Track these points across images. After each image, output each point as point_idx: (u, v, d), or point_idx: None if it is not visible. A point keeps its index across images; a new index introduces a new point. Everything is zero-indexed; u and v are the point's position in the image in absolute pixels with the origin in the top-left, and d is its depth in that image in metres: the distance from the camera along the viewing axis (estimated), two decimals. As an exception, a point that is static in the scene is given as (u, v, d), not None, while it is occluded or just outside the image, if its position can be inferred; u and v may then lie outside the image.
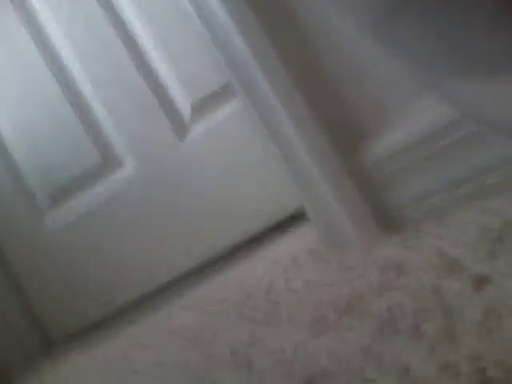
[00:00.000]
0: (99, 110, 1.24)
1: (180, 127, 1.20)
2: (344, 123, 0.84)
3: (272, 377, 0.57)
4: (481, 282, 0.50)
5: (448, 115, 0.72)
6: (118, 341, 1.07)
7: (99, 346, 1.10)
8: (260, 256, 1.06)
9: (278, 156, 0.89)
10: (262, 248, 1.10)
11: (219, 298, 0.95)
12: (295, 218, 1.11)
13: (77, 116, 1.24)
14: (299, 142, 0.87)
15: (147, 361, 0.86)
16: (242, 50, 0.87)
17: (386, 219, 0.85)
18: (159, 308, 1.10)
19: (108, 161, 1.24)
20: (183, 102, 1.20)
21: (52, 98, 1.25)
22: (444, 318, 0.48)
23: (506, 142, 0.53)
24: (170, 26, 1.18)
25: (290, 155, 0.88)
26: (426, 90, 0.65)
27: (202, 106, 1.18)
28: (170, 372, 0.75)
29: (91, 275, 1.25)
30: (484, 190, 0.74)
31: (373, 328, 0.54)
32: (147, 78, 1.19)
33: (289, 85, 0.85)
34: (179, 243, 1.20)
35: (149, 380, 0.77)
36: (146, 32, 1.21)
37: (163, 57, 1.20)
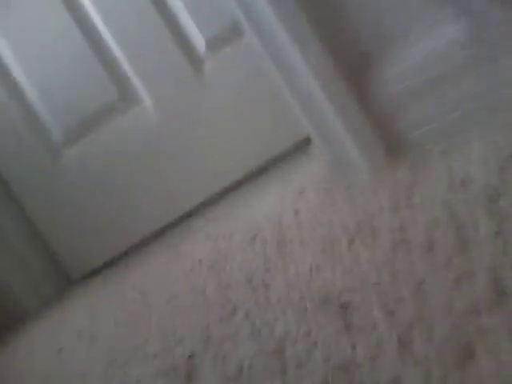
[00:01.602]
0: (115, 47, 1.24)
1: (195, 62, 1.23)
2: (350, 48, 0.82)
3: (289, 298, 0.59)
4: (492, 194, 0.51)
5: (454, 35, 0.71)
6: (133, 274, 1.09)
7: (115, 281, 1.13)
8: (270, 186, 1.07)
9: (285, 86, 0.88)
10: (271, 178, 1.11)
11: (231, 230, 0.96)
12: (304, 147, 1.12)
13: (93, 52, 1.24)
14: (305, 70, 0.85)
15: (163, 292, 0.88)
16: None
17: (393, 143, 0.85)
18: (172, 241, 1.12)
19: (124, 97, 1.25)
20: (198, 38, 1.23)
21: (67, 34, 1.24)
22: (457, 231, 0.49)
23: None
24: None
25: (297, 84, 0.87)
26: (440, 5, 0.63)
27: (216, 41, 1.21)
28: (187, 301, 0.77)
29: (106, 212, 1.27)
30: (492, 110, 0.74)
31: (386, 245, 0.55)
32: (163, 15, 1.21)
33: (294, 11, 0.83)
34: (192, 177, 1.24)
35: (166, 311, 0.79)
36: None
37: None
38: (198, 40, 1.24)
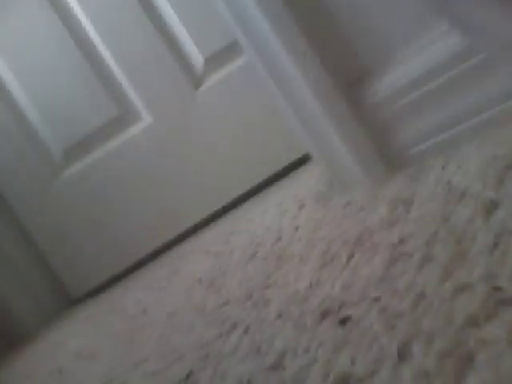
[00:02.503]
0: (114, 65, 1.26)
1: (194, 80, 1.25)
2: (348, 64, 0.83)
3: (289, 314, 0.59)
4: (490, 207, 0.51)
5: (453, 48, 0.71)
6: (133, 292, 1.09)
7: (115, 300, 1.13)
8: (269, 201, 1.07)
9: (283, 101, 0.89)
10: (272, 194, 1.11)
11: (231, 247, 0.96)
12: (302, 163, 1.13)
13: (92, 70, 1.26)
14: (304, 86, 0.86)
15: (163, 309, 0.88)
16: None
17: (391, 157, 0.85)
18: (172, 259, 1.12)
19: (124, 114, 1.27)
20: (196, 56, 1.25)
21: (67, 53, 1.26)
22: (456, 244, 0.49)
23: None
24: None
25: (296, 100, 0.87)
26: (433, 17, 0.64)
27: (215, 60, 1.23)
28: (187, 318, 0.77)
29: (107, 230, 1.28)
30: (491, 121, 0.74)
31: (386, 259, 0.55)
32: (162, 34, 1.24)
33: (293, 29, 0.84)
34: (192, 194, 1.25)
35: (166, 328, 0.78)
36: None
37: (177, 12, 1.23)
38: (197, 58, 1.25)
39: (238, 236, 1.00)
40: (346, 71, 0.83)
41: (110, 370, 0.76)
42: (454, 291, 0.41)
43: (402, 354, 0.39)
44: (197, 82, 1.25)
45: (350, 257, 0.62)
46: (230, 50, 1.20)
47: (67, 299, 1.28)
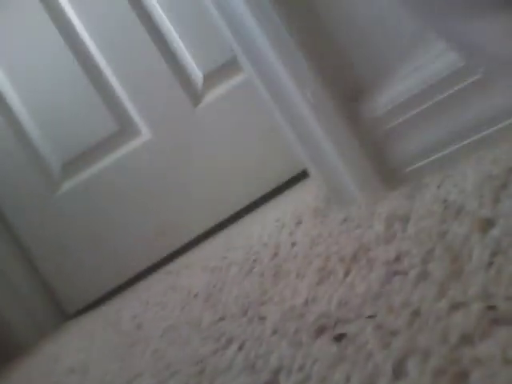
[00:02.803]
0: (114, 81, 1.28)
1: (193, 96, 1.27)
2: (345, 77, 0.83)
3: (284, 330, 0.58)
4: (486, 224, 0.51)
5: (451, 65, 0.72)
6: (129, 308, 1.08)
7: (110, 315, 1.12)
8: (267, 217, 1.07)
9: (281, 117, 0.89)
10: (268, 209, 1.11)
11: (228, 262, 0.96)
12: (301, 179, 1.13)
13: (92, 86, 1.28)
14: (301, 102, 0.87)
15: (158, 325, 0.87)
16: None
17: (389, 173, 0.85)
18: (169, 274, 1.12)
19: (124, 129, 1.28)
20: (196, 72, 1.26)
21: (68, 67, 1.27)
22: (452, 261, 0.49)
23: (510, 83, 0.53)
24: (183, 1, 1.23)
25: (294, 116, 0.88)
26: (431, 35, 0.64)
27: (214, 76, 1.25)
28: (182, 334, 0.77)
29: (104, 245, 1.28)
30: (488, 140, 0.75)
31: (382, 276, 0.55)
32: (161, 50, 1.26)
33: (292, 46, 0.85)
34: (191, 209, 1.25)
35: (161, 343, 0.78)
36: (161, 4, 1.24)
37: (177, 29, 1.25)
38: (196, 74, 1.27)
39: (235, 251, 1.00)
40: (344, 87, 0.83)
41: (104, 385, 0.76)
42: (450, 309, 0.41)
43: (397, 372, 0.38)
44: (196, 97, 1.26)
45: (347, 273, 0.62)
46: (229, 67, 1.22)
47: (63, 313, 1.28)
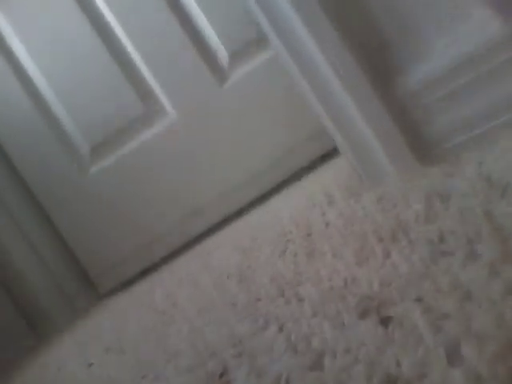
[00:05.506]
0: (140, 62, 1.27)
1: (219, 75, 1.26)
2: (379, 56, 0.81)
3: (325, 312, 0.58)
4: (537, 203, 0.49)
5: (492, 36, 0.69)
6: (162, 286, 1.09)
7: (144, 294, 1.13)
8: (297, 195, 1.06)
9: (311, 94, 0.87)
10: (296, 188, 1.10)
11: (260, 242, 0.95)
12: (329, 157, 1.11)
13: (118, 67, 1.27)
14: (333, 79, 0.85)
15: (193, 304, 0.87)
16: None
17: (424, 150, 0.83)
18: (201, 252, 1.11)
19: (150, 110, 1.27)
20: (221, 51, 1.25)
21: (94, 50, 1.27)
22: (502, 242, 0.47)
23: None
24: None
25: (325, 93, 0.86)
26: (468, 8, 0.62)
27: (240, 55, 1.23)
28: (218, 314, 0.76)
29: (134, 225, 1.28)
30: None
31: (425, 254, 0.53)
32: (187, 29, 1.24)
33: (322, 21, 0.82)
34: (220, 188, 1.25)
35: (197, 323, 0.78)
36: None
37: (202, 7, 1.23)
38: (222, 53, 1.25)
39: (265, 231, 0.99)
40: (377, 60, 0.81)
41: (141, 365, 0.76)
42: (504, 291, 0.40)
43: (452, 357, 0.37)
44: (222, 77, 1.24)
45: (387, 254, 0.61)
46: (254, 45, 1.20)
47: (97, 293, 1.29)
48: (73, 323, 1.21)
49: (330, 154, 1.13)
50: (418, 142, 0.83)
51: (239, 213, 1.22)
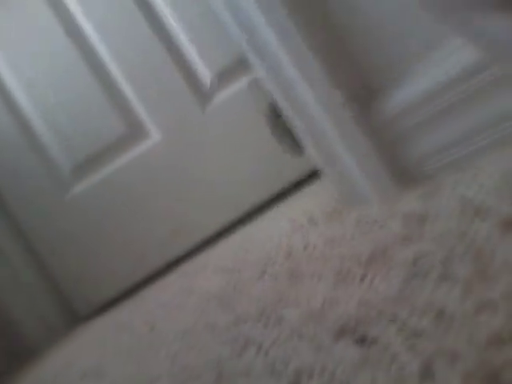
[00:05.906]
0: (123, 82, 1.27)
1: (202, 97, 1.26)
2: (358, 79, 0.82)
3: (303, 332, 0.58)
4: (508, 222, 0.50)
5: (466, 61, 0.71)
6: (142, 309, 1.08)
7: (124, 317, 1.12)
8: (279, 217, 1.06)
9: (293, 118, 0.89)
10: (281, 211, 1.10)
11: (242, 264, 0.95)
12: (311, 180, 1.12)
13: (101, 88, 1.27)
14: (313, 102, 0.86)
15: (173, 327, 0.87)
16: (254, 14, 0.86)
17: (403, 173, 0.84)
18: (182, 275, 1.11)
19: (133, 132, 1.28)
20: (204, 73, 1.26)
21: (75, 71, 1.27)
22: (475, 261, 0.48)
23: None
24: (191, 1, 1.23)
25: (305, 116, 0.87)
26: (444, 33, 0.64)
27: (223, 76, 1.24)
28: (198, 337, 0.76)
29: (115, 247, 1.27)
30: (504, 138, 0.74)
31: (402, 276, 0.54)
32: (170, 51, 1.25)
33: (302, 45, 0.84)
34: (201, 210, 1.25)
35: (177, 346, 0.77)
36: (168, 4, 1.24)
37: (184, 30, 1.24)
38: (205, 75, 1.26)
39: (248, 253, 0.99)
40: (357, 85, 0.83)
41: (120, 389, 0.75)
42: (476, 309, 0.41)
43: (425, 374, 0.38)
44: (205, 99, 1.25)
45: (365, 274, 0.61)
46: (237, 67, 1.21)
47: (75, 316, 1.27)
48: (50, 347, 1.19)
49: (313, 176, 1.14)
50: (396, 165, 0.84)
51: (223, 233, 1.22)
